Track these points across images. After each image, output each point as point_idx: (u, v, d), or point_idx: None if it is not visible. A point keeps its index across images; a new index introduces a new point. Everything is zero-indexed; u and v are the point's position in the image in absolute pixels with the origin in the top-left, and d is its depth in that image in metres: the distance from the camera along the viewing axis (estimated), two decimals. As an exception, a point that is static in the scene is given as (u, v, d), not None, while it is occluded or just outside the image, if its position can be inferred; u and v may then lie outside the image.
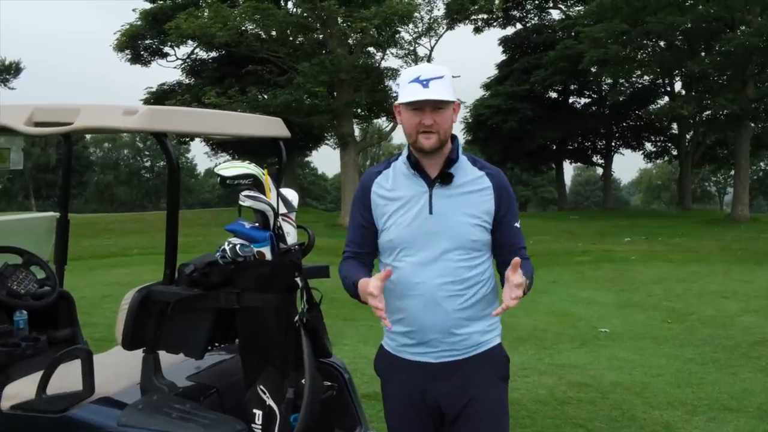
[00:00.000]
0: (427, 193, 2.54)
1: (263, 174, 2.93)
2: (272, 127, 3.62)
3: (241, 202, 2.85)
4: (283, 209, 3.00)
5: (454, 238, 2.52)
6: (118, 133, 3.03)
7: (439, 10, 29.93)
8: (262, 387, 2.96)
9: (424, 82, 2.43)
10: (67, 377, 3.04)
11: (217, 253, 2.98)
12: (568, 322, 9.23)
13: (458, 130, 40.79)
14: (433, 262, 2.52)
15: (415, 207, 2.55)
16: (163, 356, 3.12)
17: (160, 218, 30.61)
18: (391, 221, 2.59)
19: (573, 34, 33.81)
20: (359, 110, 31.78)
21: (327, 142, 37.11)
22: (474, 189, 2.55)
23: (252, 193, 2.86)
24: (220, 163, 3.23)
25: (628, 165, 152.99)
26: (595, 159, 44.63)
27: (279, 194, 3.00)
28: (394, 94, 32.20)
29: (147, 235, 22.95)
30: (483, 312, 2.59)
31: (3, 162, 3.86)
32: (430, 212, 2.53)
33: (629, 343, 7.97)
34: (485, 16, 36.15)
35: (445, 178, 2.54)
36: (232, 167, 2.89)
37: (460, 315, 2.55)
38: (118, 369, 3.23)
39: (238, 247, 2.89)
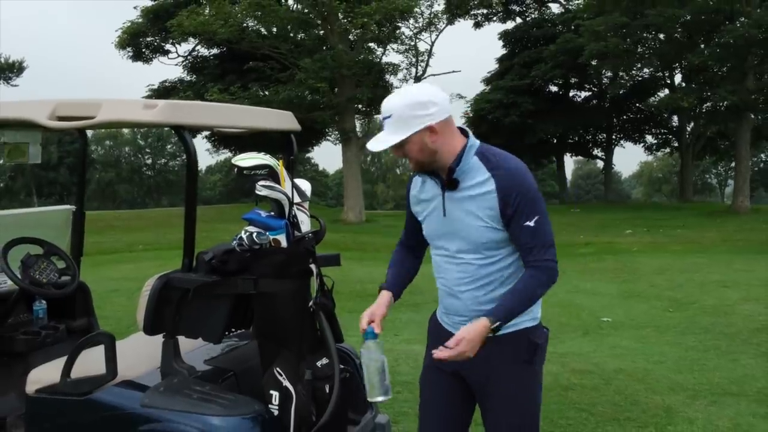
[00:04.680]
0: (440, 196, 2.69)
1: (278, 164, 3.04)
2: (284, 120, 3.73)
3: (257, 191, 2.95)
4: (297, 198, 3.11)
5: (466, 240, 2.65)
6: (139, 126, 3.14)
7: (439, 5, 30.05)
8: (278, 369, 3.05)
9: (384, 122, 2.61)
10: (88, 363, 3.13)
11: (234, 242, 3.09)
12: (572, 313, 9.34)
13: (459, 124, 40.82)
14: (452, 260, 2.72)
15: (435, 208, 2.73)
16: (182, 342, 3.23)
17: (162, 215, 30.86)
18: (422, 219, 2.83)
19: (573, 27, 33.92)
20: (360, 106, 31.87)
21: (328, 137, 37.21)
22: (479, 192, 2.59)
23: (268, 183, 2.97)
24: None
25: (628, 158, 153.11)
26: (595, 152, 44.73)
27: (293, 184, 3.12)
28: (395, 90, 32.31)
29: (151, 231, 23.08)
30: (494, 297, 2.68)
31: (22, 156, 3.97)
32: (444, 214, 2.68)
33: (632, 332, 8.09)
34: (485, 11, 36.25)
35: (451, 184, 2.64)
36: (248, 158, 3.00)
37: (477, 308, 2.67)
38: (138, 355, 3.33)
39: (254, 235, 2.99)
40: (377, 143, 2.59)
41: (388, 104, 2.57)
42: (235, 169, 2.99)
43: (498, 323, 2.51)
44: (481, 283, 2.68)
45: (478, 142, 2.69)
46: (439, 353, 2.51)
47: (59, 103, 3.07)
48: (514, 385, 2.73)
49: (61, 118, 3.06)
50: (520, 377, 2.74)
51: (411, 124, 2.53)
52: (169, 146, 72.32)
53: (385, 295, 2.86)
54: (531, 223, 2.56)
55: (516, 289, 2.59)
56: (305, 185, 3.25)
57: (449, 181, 2.63)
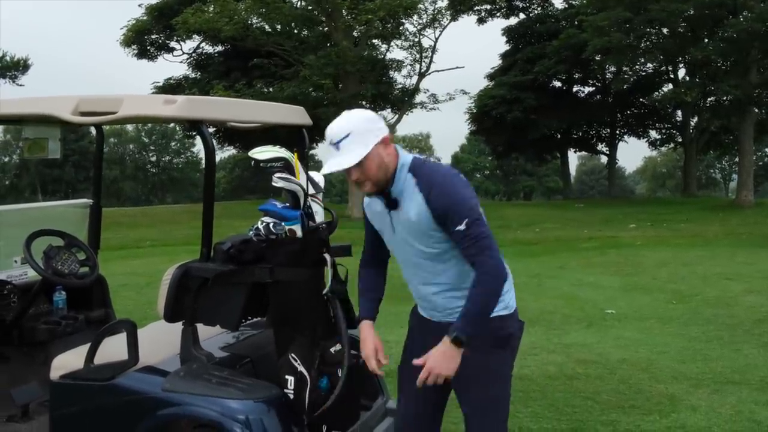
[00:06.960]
0: (388, 215, 2.86)
1: (293, 157, 3.16)
2: (296, 115, 3.84)
3: (274, 183, 3.08)
4: (311, 190, 3.23)
5: (415, 252, 2.84)
6: (159, 122, 3.26)
7: (442, 1, 30.07)
8: (293, 355, 3.16)
9: (335, 145, 2.66)
10: (110, 350, 3.25)
11: (251, 232, 3.21)
12: (576, 305, 9.44)
13: (463, 120, 40.97)
14: (409, 265, 2.92)
15: (386, 224, 2.90)
16: (200, 329, 3.34)
17: (168, 212, 30.95)
18: (379, 231, 3.00)
19: (576, 23, 33.85)
20: (364, 102, 31.91)
21: (332, 134, 37.22)
22: (416, 213, 2.73)
23: (284, 175, 3.09)
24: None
25: (632, 154, 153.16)
26: (599, 148, 44.70)
27: (308, 176, 3.23)
28: (399, 86, 32.43)
29: (157, 228, 23.20)
30: (461, 291, 2.79)
31: (42, 151, 4.09)
32: (393, 231, 2.88)
33: (635, 324, 8.18)
34: (488, 7, 36.24)
35: (392, 205, 2.81)
36: (265, 151, 3.12)
37: (450, 306, 2.87)
38: (157, 342, 3.44)
39: (271, 225, 3.11)
40: (335, 164, 2.67)
41: (341, 126, 2.65)
42: (252, 162, 3.11)
43: (463, 337, 2.64)
44: (438, 280, 2.85)
45: (410, 157, 2.80)
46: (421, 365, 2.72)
47: (81, 99, 3.19)
48: (482, 369, 2.86)
49: (83, 114, 3.17)
50: (487, 362, 2.86)
51: (369, 138, 2.65)
52: (173, 143, 72.34)
53: (369, 327, 3.04)
54: (461, 227, 2.65)
55: (470, 298, 2.67)
56: (319, 177, 3.36)
57: (389, 202, 2.80)
